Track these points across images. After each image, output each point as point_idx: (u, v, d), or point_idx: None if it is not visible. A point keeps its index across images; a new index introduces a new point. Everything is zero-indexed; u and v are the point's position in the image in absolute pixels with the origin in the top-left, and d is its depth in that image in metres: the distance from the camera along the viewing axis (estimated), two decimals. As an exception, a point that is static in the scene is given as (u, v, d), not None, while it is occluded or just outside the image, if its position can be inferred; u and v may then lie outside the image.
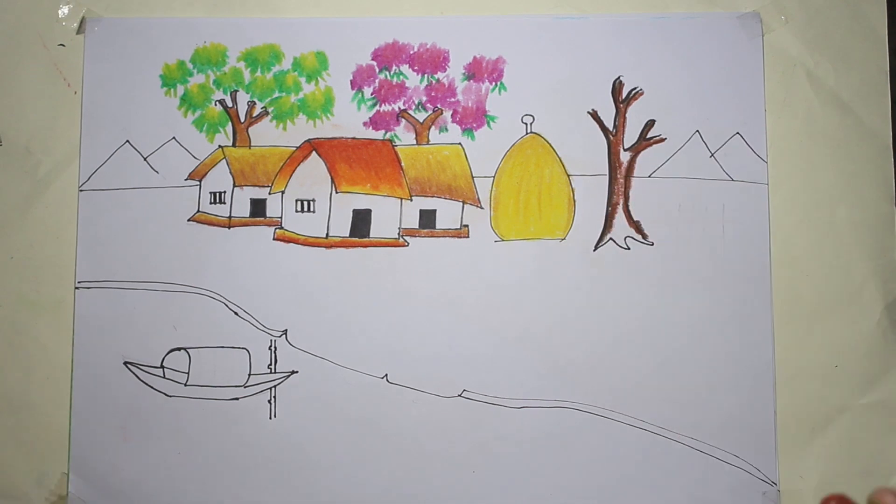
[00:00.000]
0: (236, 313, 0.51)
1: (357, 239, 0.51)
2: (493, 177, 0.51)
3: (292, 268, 0.51)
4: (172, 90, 0.52)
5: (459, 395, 0.50)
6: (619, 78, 0.51)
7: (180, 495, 0.50)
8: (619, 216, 0.50)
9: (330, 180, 0.51)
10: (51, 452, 0.50)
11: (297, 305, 0.51)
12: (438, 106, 0.51)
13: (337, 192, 0.51)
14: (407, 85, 0.52)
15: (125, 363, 0.51)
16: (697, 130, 0.50)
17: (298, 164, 0.51)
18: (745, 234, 0.50)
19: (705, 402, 0.49)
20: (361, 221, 0.51)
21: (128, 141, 0.51)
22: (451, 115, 0.51)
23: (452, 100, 0.51)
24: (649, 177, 0.50)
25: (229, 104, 0.52)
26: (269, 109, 0.52)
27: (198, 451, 0.50)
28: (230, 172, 0.51)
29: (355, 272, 0.51)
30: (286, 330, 0.51)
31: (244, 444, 0.50)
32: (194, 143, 0.51)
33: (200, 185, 0.51)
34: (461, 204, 0.51)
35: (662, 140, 0.51)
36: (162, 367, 0.50)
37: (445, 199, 0.51)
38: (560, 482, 0.49)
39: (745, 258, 0.50)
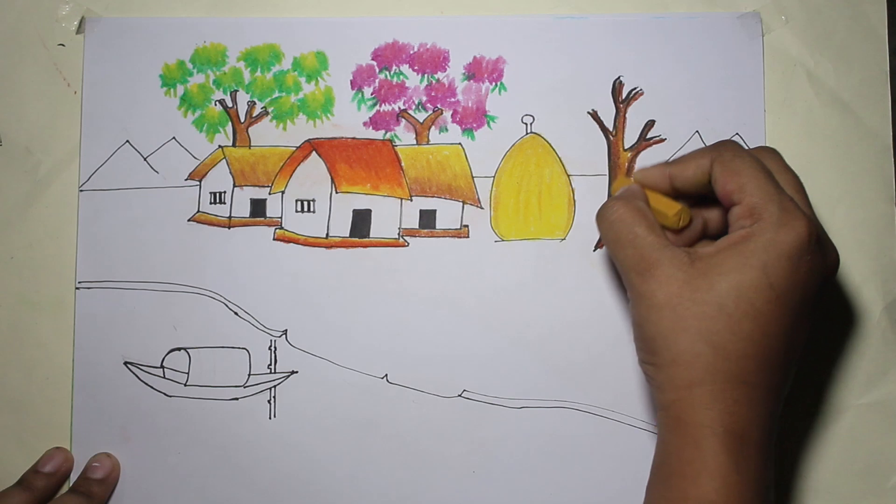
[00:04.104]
0: (236, 313, 0.51)
1: (357, 239, 0.51)
2: (493, 177, 0.51)
3: (292, 268, 0.51)
4: (172, 90, 0.52)
5: (459, 395, 0.50)
6: (619, 78, 0.51)
7: (180, 495, 0.50)
8: (619, 216, 0.50)
9: (330, 180, 0.51)
10: (51, 452, 0.50)
11: (297, 305, 0.51)
12: (438, 106, 0.51)
13: (337, 192, 0.51)
14: (407, 85, 0.52)
15: (125, 363, 0.51)
16: (697, 130, 0.50)
17: (298, 164, 0.51)
18: (745, 235, 0.50)
19: (705, 403, 0.49)
20: (361, 221, 0.51)
21: (128, 141, 0.51)
22: (451, 115, 0.51)
23: (452, 100, 0.51)
24: (649, 177, 0.50)
25: (229, 104, 0.52)
26: (269, 109, 0.52)
27: (198, 451, 0.50)
28: (230, 172, 0.51)
29: (355, 272, 0.51)
30: (286, 330, 0.51)
31: (244, 444, 0.50)
32: (194, 143, 0.51)
33: (200, 185, 0.51)
34: (461, 204, 0.51)
35: (662, 140, 0.51)
36: (162, 367, 0.50)
37: (445, 199, 0.51)
38: (560, 482, 0.49)
39: (745, 258, 0.50)
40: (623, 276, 0.42)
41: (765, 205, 0.39)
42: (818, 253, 0.39)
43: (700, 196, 0.42)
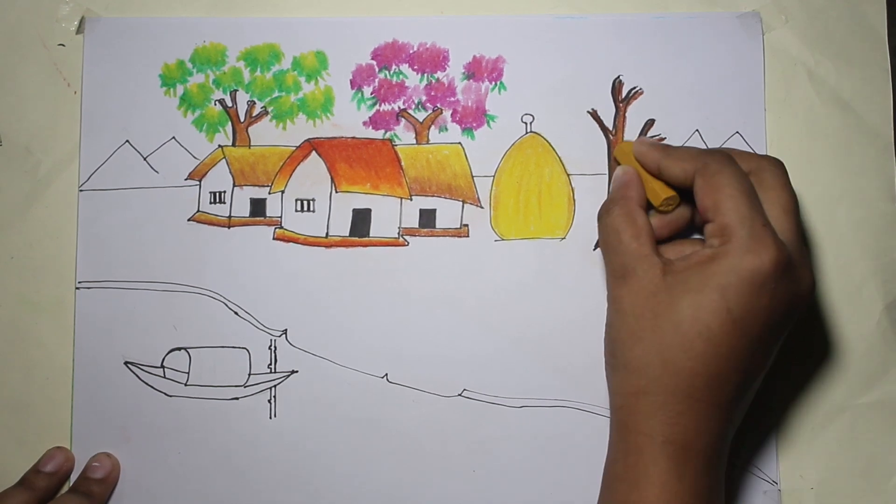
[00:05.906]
0: (236, 313, 0.51)
1: (357, 238, 0.51)
2: (493, 176, 0.51)
3: (292, 267, 0.51)
4: (172, 90, 0.52)
5: (459, 395, 0.50)
6: (618, 77, 0.51)
7: (180, 495, 0.50)
8: (619, 216, 0.50)
9: (330, 180, 0.51)
10: (51, 452, 0.50)
11: (297, 305, 0.51)
12: (438, 105, 0.51)
13: (337, 192, 0.51)
14: (407, 84, 0.52)
15: (125, 363, 0.51)
16: (697, 130, 0.50)
17: (298, 164, 0.51)
18: (746, 234, 0.49)
19: (705, 402, 0.49)
20: (361, 221, 0.51)
21: (128, 141, 0.51)
22: (451, 115, 0.51)
23: (452, 99, 0.51)
24: (649, 176, 0.50)
25: (229, 104, 0.52)
26: (269, 109, 0.52)
27: (198, 451, 0.50)
28: (230, 172, 0.51)
29: (355, 272, 0.51)
30: (286, 330, 0.51)
31: (244, 444, 0.50)
32: (194, 143, 0.51)
33: (200, 185, 0.51)
34: (461, 203, 0.51)
35: (662, 140, 0.51)
36: (162, 366, 0.50)
37: (445, 198, 0.51)
38: (560, 482, 0.49)
39: (745, 258, 0.50)
40: (606, 277, 0.43)
41: (735, 227, 0.39)
42: (785, 281, 0.39)
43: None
